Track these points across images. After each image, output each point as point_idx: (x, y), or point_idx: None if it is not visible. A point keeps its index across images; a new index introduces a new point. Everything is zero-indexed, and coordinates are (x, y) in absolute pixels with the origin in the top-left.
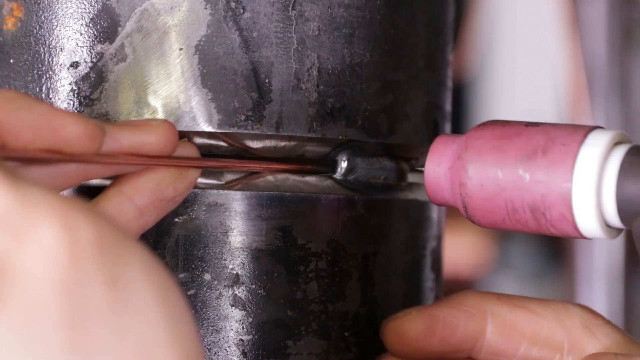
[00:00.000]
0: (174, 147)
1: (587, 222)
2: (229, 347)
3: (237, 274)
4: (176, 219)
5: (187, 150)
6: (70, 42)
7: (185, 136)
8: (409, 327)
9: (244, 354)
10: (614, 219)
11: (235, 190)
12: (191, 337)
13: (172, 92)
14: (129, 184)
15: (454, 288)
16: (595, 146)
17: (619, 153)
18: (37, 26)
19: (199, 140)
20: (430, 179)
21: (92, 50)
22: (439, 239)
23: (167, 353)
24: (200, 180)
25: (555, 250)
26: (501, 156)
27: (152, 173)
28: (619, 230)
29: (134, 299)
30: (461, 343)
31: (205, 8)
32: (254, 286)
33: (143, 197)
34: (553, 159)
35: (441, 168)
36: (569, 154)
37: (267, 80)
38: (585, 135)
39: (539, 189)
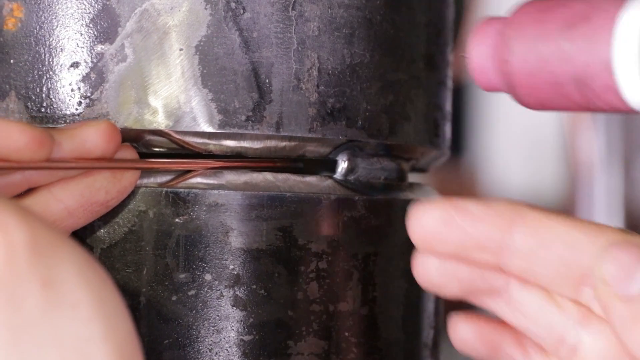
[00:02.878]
0: (116, 146)
1: (632, 89)
2: (230, 347)
3: (237, 274)
4: (177, 220)
5: (126, 153)
6: (71, 42)
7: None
8: (429, 212)
9: (244, 354)
10: None
11: (234, 190)
12: (126, 334)
13: (172, 92)
14: (59, 185)
15: None
16: (636, 10)
17: None
18: (38, 27)
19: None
20: (476, 62)
21: (92, 51)
22: None
23: (102, 349)
24: (200, 180)
25: None
26: (543, 27)
27: (84, 176)
28: None
29: (68, 298)
30: (485, 238)
31: (206, 8)
32: (254, 286)
33: (72, 199)
34: (594, 26)
35: (485, 48)
36: (609, 18)
37: (267, 81)
38: (625, 0)
39: (581, 58)
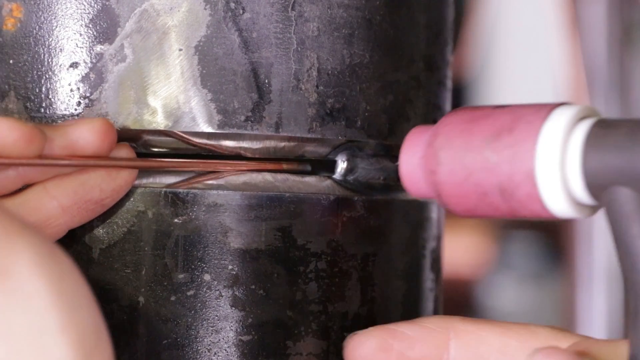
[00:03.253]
0: (111, 144)
1: (555, 199)
2: (228, 347)
3: (236, 275)
4: (176, 220)
5: (122, 152)
6: (70, 42)
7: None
8: (366, 342)
9: (243, 354)
10: (583, 195)
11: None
12: (88, 326)
13: (171, 92)
14: (53, 182)
15: (454, 288)
16: (558, 121)
17: (584, 127)
18: (37, 27)
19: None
20: (405, 171)
21: (91, 51)
22: (439, 239)
23: (59, 341)
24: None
25: (555, 250)
26: (468, 139)
27: (78, 173)
28: (592, 209)
29: (22, 288)
30: (421, 358)
31: (205, 9)
32: (253, 286)
33: (65, 196)
34: (517, 137)
35: (415, 158)
36: (532, 130)
37: (266, 81)
38: (549, 112)
39: (505, 169)
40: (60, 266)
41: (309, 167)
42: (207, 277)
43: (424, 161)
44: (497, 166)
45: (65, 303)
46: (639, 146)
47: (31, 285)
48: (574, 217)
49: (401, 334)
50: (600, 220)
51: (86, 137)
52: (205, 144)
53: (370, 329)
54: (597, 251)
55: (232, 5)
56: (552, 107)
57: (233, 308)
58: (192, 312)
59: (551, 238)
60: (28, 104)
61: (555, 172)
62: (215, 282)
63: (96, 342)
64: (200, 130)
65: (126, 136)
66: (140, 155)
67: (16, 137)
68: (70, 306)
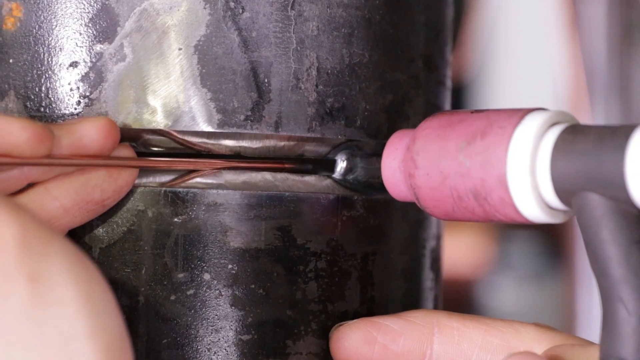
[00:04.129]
0: (114, 142)
1: (527, 204)
2: (228, 347)
3: (236, 274)
4: (175, 219)
5: (123, 152)
6: (70, 42)
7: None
8: (350, 333)
9: (243, 353)
10: (554, 200)
11: (230, 190)
12: (115, 332)
13: (171, 92)
14: (55, 182)
15: (454, 288)
16: (529, 127)
17: (555, 132)
18: (37, 26)
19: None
20: (386, 174)
21: (91, 50)
22: (439, 238)
23: (87, 347)
24: (199, 180)
25: (555, 250)
26: (444, 144)
27: (79, 173)
28: (565, 214)
29: (54, 294)
30: (405, 352)
31: (204, 8)
32: (253, 286)
33: (67, 197)
34: (490, 142)
35: (395, 162)
36: (504, 135)
37: (266, 80)
38: (522, 117)
39: (478, 174)
40: (88, 272)
41: (310, 166)
42: (206, 276)
43: (403, 164)
44: (470, 171)
45: (93, 309)
46: (605, 152)
47: (63, 291)
48: (548, 222)
49: (386, 327)
50: None
51: (91, 134)
52: (205, 143)
53: (356, 320)
54: None
55: (232, 4)
56: (525, 112)
57: (233, 307)
58: (192, 311)
59: (551, 238)
60: (28, 103)
61: (526, 177)
62: (215, 282)
63: (121, 347)
64: (199, 130)
65: (126, 135)
66: (140, 154)
67: (28, 136)
68: (98, 312)
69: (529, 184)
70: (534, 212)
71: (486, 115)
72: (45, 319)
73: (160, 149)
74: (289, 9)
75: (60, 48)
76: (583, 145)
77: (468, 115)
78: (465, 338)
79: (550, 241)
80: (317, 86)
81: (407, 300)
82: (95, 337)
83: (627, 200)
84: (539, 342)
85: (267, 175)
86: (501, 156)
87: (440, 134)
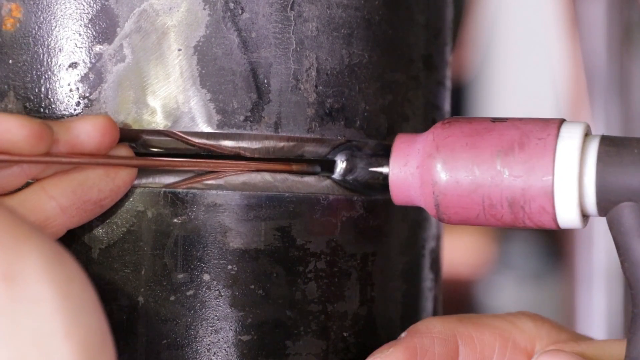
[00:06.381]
0: (112, 141)
1: (568, 213)
2: (228, 347)
3: (236, 274)
4: (175, 220)
5: (121, 152)
6: (69, 42)
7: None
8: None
9: (243, 354)
10: (592, 209)
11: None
12: (93, 330)
13: (170, 92)
14: (52, 182)
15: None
16: (571, 139)
17: (594, 144)
18: (36, 27)
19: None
20: (396, 180)
21: (90, 51)
22: (438, 239)
23: (63, 345)
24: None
25: (555, 250)
26: (476, 152)
27: (76, 172)
28: (587, 219)
29: (29, 293)
30: None
31: (204, 9)
32: (253, 286)
33: (64, 196)
34: (531, 154)
35: (408, 168)
36: (547, 147)
37: (265, 81)
38: (558, 128)
39: (518, 184)
40: (66, 270)
41: (318, 168)
42: (206, 277)
43: (421, 171)
44: (509, 180)
45: (70, 308)
46: None
47: (38, 290)
48: (576, 227)
49: (421, 349)
50: (600, 221)
51: (89, 131)
52: (205, 144)
53: (387, 348)
54: (597, 251)
55: (231, 5)
56: (557, 123)
57: (232, 308)
58: (192, 312)
59: (551, 238)
60: (27, 104)
61: (573, 188)
62: (215, 282)
63: (101, 346)
64: (199, 130)
65: (125, 136)
66: (139, 155)
67: (27, 134)
68: (75, 311)
69: (575, 194)
70: (571, 220)
71: (514, 125)
72: (19, 317)
73: (160, 150)
74: (288, 9)
75: (60, 49)
76: (630, 158)
77: (492, 124)
78: (485, 345)
79: (550, 241)
80: (316, 87)
81: (407, 300)
82: (72, 335)
83: None
84: (540, 338)
85: (267, 176)
86: (547, 167)
87: (469, 142)
